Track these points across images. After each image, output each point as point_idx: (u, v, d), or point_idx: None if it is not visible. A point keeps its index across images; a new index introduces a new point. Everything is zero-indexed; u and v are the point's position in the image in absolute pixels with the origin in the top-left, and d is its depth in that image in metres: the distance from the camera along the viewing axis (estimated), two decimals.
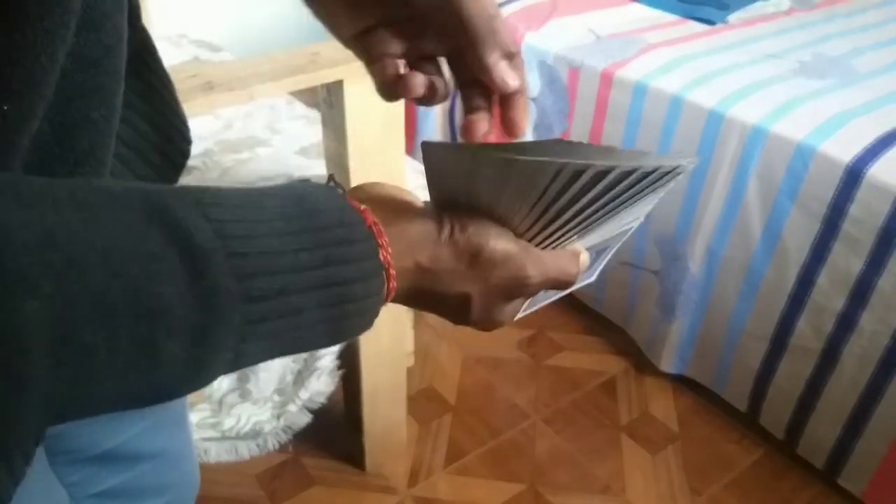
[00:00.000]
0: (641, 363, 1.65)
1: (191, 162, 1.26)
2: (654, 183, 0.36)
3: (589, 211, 0.37)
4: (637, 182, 0.36)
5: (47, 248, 0.22)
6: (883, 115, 1.31)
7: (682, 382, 1.61)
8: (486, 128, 0.40)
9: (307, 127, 1.40)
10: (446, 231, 0.36)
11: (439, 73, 0.42)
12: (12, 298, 0.21)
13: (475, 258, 0.36)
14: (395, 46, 0.41)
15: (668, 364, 1.58)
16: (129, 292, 0.24)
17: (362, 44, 0.41)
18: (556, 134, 1.68)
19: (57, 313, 0.22)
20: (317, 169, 1.22)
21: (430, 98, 0.41)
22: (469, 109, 0.41)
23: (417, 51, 0.41)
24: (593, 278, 0.45)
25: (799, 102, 1.36)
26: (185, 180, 1.28)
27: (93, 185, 0.26)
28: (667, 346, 1.56)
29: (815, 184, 1.25)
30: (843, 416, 1.31)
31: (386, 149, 1.06)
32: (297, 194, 0.32)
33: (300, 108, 1.50)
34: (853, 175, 1.20)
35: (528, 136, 1.74)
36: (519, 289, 0.37)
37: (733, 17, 1.80)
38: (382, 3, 0.40)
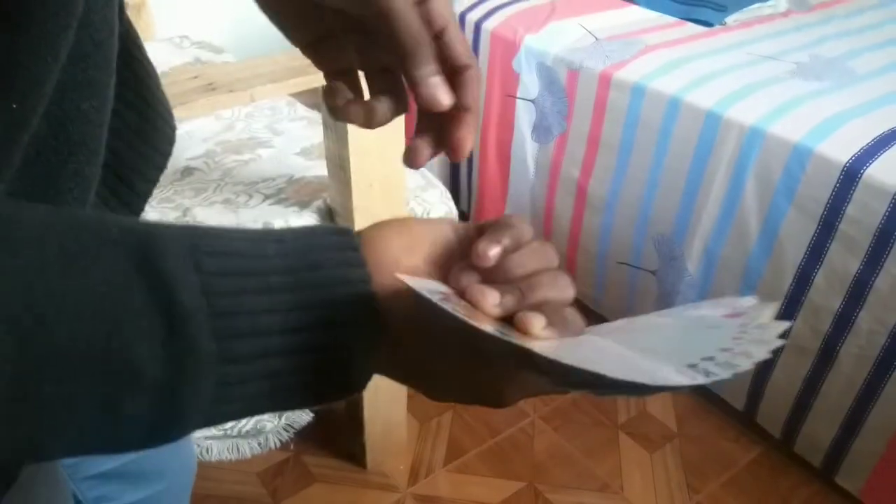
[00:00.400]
0: None
1: (193, 163, 1.27)
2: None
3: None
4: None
5: (17, 303, 0.22)
6: (880, 116, 1.32)
7: None
8: (427, 154, 0.38)
9: (308, 128, 1.41)
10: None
11: (395, 87, 0.39)
12: None
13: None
14: (348, 57, 0.40)
15: None
16: (96, 352, 0.24)
17: (317, 53, 0.40)
18: (555, 135, 1.69)
19: (18, 368, 0.22)
20: (317, 170, 1.22)
21: (368, 123, 0.38)
22: (416, 130, 0.38)
23: (375, 62, 0.39)
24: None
25: (796, 103, 1.37)
26: (188, 181, 1.28)
27: (90, 228, 0.26)
28: None
29: (812, 184, 1.26)
30: (840, 415, 1.32)
31: (386, 149, 1.07)
32: (305, 244, 0.31)
33: (301, 109, 1.51)
34: (850, 175, 1.21)
35: (525, 137, 1.75)
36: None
37: (731, 19, 1.81)
38: (326, 12, 0.38)
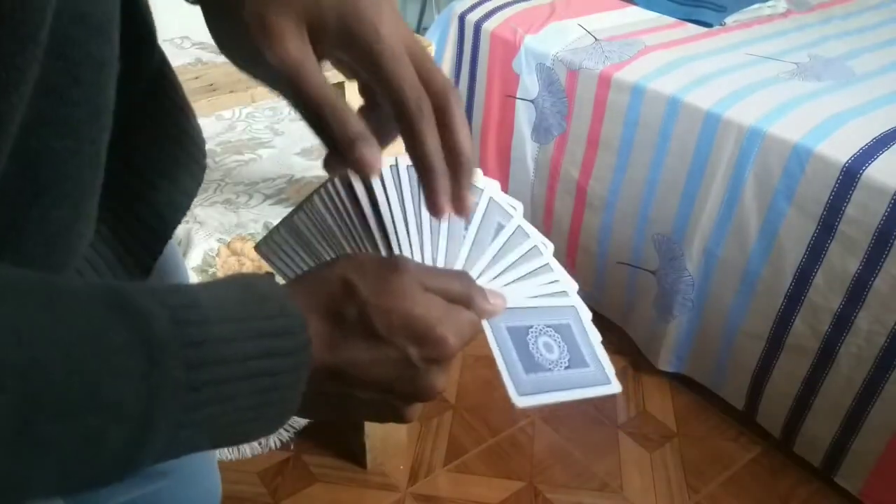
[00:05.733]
0: (639, 362, 1.66)
1: None
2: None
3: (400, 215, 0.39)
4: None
5: (13, 347, 0.23)
6: (879, 117, 1.33)
7: (679, 381, 1.62)
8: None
9: (308, 128, 1.41)
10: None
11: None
12: None
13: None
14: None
15: (665, 363, 1.60)
16: (88, 387, 0.25)
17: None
18: (555, 135, 1.69)
19: (18, 408, 0.23)
20: (318, 170, 1.23)
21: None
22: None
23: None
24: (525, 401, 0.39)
25: (796, 104, 1.37)
26: None
27: (58, 284, 0.26)
28: (664, 345, 1.57)
29: (811, 184, 1.26)
30: (839, 414, 1.32)
31: (386, 149, 1.07)
32: (244, 282, 0.33)
33: None
34: (850, 176, 1.21)
35: (525, 137, 1.75)
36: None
37: (730, 20, 1.81)
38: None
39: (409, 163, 0.40)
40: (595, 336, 0.43)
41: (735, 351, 1.46)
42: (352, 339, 0.34)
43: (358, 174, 0.36)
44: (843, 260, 1.24)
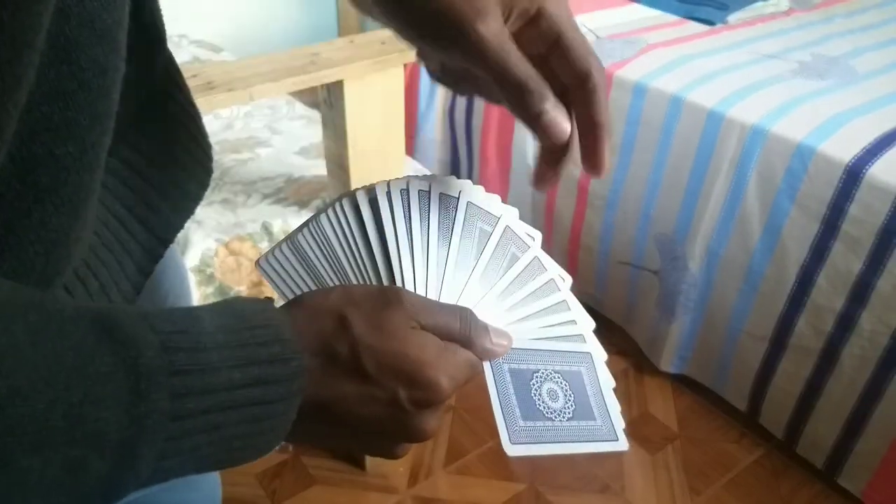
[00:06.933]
0: (641, 363, 1.65)
1: None
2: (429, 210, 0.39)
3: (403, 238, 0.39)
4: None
5: None
6: (882, 116, 1.32)
7: (681, 382, 1.61)
8: (554, 180, 0.40)
9: (307, 127, 1.40)
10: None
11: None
12: None
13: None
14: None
15: (667, 363, 1.59)
16: (69, 418, 0.24)
17: None
18: None
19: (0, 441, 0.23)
20: (316, 169, 1.22)
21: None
22: (540, 153, 0.40)
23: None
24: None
25: (798, 103, 1.36)
26: None
27: (46, 306, 0.26)
28: (667, 346, 1.56)
29: (814, 184, 1.25)
30: (842, 415, 1.31)
31: (386, 149, 1.06)
32: (239, 307, 0.32)
33: (300, 108, 1.50)
34: (853, 175, 1.20)
35: (526, 135, 1.74)
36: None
37: (733, 18, 1.80)
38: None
39: (421, 187, 0.40)
40: (608, 384, 0.41)
41: (738, 352, 1.45)
42: (341, 377, 0.33)
43: (549, 138, 0.37)
44: (846, 260, 1.23)
